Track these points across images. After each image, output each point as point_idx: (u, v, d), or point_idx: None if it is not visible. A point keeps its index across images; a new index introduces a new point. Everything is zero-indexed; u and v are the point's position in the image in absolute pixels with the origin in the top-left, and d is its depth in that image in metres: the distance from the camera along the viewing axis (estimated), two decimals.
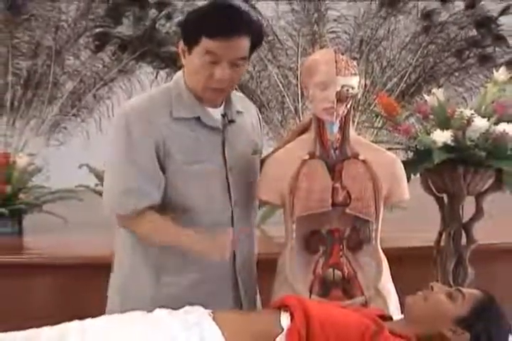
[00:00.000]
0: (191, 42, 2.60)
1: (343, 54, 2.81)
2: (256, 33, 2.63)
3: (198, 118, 2.68)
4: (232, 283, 2.78)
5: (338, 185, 2.76)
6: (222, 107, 2.73)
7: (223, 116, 2.73)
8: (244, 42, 2.59)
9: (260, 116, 2.94)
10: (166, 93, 2.70)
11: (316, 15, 4.45)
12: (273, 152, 2.89)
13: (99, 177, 4.08)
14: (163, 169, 2.65)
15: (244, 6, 2.75)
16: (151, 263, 2.70)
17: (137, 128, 2.62)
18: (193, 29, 2.60)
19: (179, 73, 2.73)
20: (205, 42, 2.56)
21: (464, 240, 3.36)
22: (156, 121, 2.63)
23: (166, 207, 2.68)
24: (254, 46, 2.65)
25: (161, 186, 2.65)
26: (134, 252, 2.74)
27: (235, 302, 2.78)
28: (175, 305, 2.56)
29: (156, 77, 4.52)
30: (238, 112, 2.77)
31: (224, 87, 2.64)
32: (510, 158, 3.19)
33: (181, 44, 2.64)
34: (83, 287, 3.51)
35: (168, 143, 2.63)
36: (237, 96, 2.82)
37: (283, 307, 2.53)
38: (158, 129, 2.63)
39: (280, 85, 4.43)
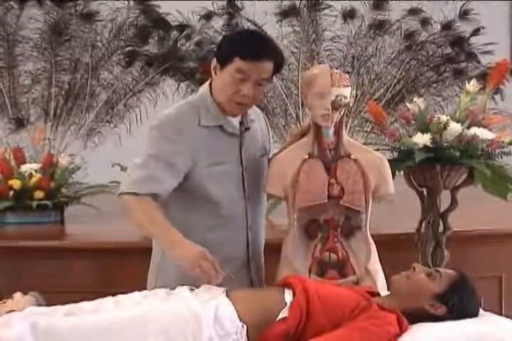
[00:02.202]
0: (225, 61, 2.61)
1: (337, 68, 2.82)
2: (278, 59, 2.66)
3: (221, 126, 2.69)
4: (245, 266, 2.78)
5: (333, 180, 2.75)
6: (239, 116, 2.73)
7: (241, 124, 2.73)
8: (269, 66, 2.61)
9: (268, 122, 2.95)
10: (193, 105, 2.71)
11: (314, 35, 4.44)
12: (278, 152, 2.88)
13: None
14: (192, 171, 2.65)
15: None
16: None
17: (168, 133, 2.62)
18: (228, 50, 2.62)
19: (204, 87, 2.73)
20: (238, 63, 2.58)
21: (440, 227, 3.35)
22: (186, 128, 2.64)
23: (194, 201, 2.68)
24: (275, 71, 2.66)
25: (177, 180, 2.64)
26: None
27: (247, 282, 2.78)
28: (196, 285, 2.56)
29: (178, 89, 4.51)
30: (251, 120, 2.78)
31: (247, 103, 2.65)
32: (480, 157, 3.19)
33: (214, 62, 2.66)
34: (115, 267, 3.51)
35: (197, 147, 2.64)
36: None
37: (286, 285, 2.53)
38: (189, 135, 2.64)
39: (283, 95, 4.42)
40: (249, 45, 2.61)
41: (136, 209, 2.60)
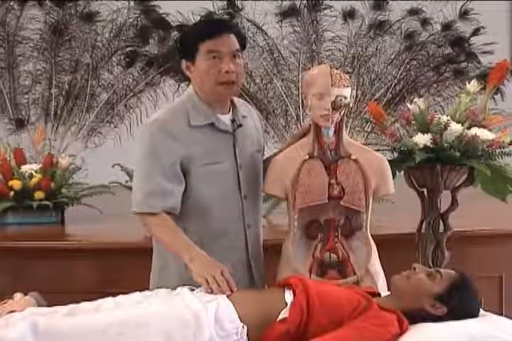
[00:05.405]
0: (192, 53, 2.65)
1: (337, 69, 2.81)
2: (238, 32, 2.73)
3: (212, 125, 2.68)
4: (246, 265, 2.78)
5: (333, 181, 2.75)
6: (230, 114, 2.74)
7: (232, 121, 2.73)
8: (232, 38, 2.67)
9: (261, 118, 2.96)
10: (181, 106, 2.71)
11: (314, 35, 4.44)
12: (278, 152, 2.88)
13: (130, 174, 4.08)
14: (186, 172, 2.65)
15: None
16: None
17: (160, 137, 2.63)
18: (190, 42, 2.67)
19: (189, 90, 2.76)
20: (204, 46, 2.64)
21: (441, 228, 3.35)
22: (177, 130, 2.64)
23: (187, 200, 2.67)
24: (242, 46, 2.71)
25: (181, 186, 2.64)
26: None
27: (248, 281, 2.77)
28: (197, 285, 2.56)
29: (178, 89, 4.50)
30: (243, 116, 2.78)
31: (232, 80, 2.65)
32: (480, 158, 3.18)
33: (183, 63, 2.70)
34: (115, 268, 3.51)
35: (190, 149, 2.64)
36: (241, 103, 2.84)
37: (286, 285, 2.53)
38: (179, 137, 2.64)
39: (284, 95, 4.42)
40: (204, 27, 2.71)
41: (154, 228, 2.66)
